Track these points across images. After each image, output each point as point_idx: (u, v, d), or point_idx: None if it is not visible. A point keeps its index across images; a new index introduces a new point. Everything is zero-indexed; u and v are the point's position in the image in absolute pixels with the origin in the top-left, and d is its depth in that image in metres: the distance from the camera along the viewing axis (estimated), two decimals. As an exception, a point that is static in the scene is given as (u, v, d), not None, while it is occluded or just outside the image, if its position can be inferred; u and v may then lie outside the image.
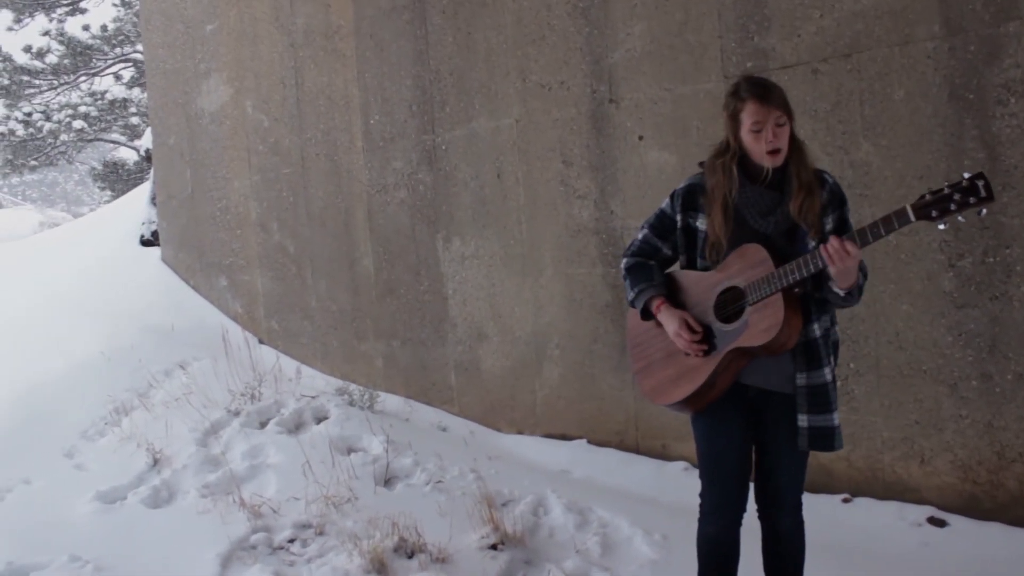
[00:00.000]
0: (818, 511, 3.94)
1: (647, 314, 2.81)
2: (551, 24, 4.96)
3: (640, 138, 4.63)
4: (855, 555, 3.64)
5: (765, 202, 2.66)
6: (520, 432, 5.36)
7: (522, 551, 3.78)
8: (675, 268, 2.89)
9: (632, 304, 2.86)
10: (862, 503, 4.03)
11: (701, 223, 2.74)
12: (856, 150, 3.94)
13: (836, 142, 3.99)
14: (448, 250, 5.62)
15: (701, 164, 2.79)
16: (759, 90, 2.60)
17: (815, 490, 4.13)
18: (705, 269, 2.74)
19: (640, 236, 2.88)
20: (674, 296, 2.79)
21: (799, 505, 2.80)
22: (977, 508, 3.77)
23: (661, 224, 2.84)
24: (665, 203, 2.84)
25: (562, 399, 5.13)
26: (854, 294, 2.56)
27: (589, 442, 5.03)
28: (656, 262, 2.85)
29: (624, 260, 2.90)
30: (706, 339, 2.67)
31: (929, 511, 3.85)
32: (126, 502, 4.54)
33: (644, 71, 4.60)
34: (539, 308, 5.17)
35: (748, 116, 2.59)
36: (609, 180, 4.77)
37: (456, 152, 5.50)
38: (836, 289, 2.52)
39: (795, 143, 2.66)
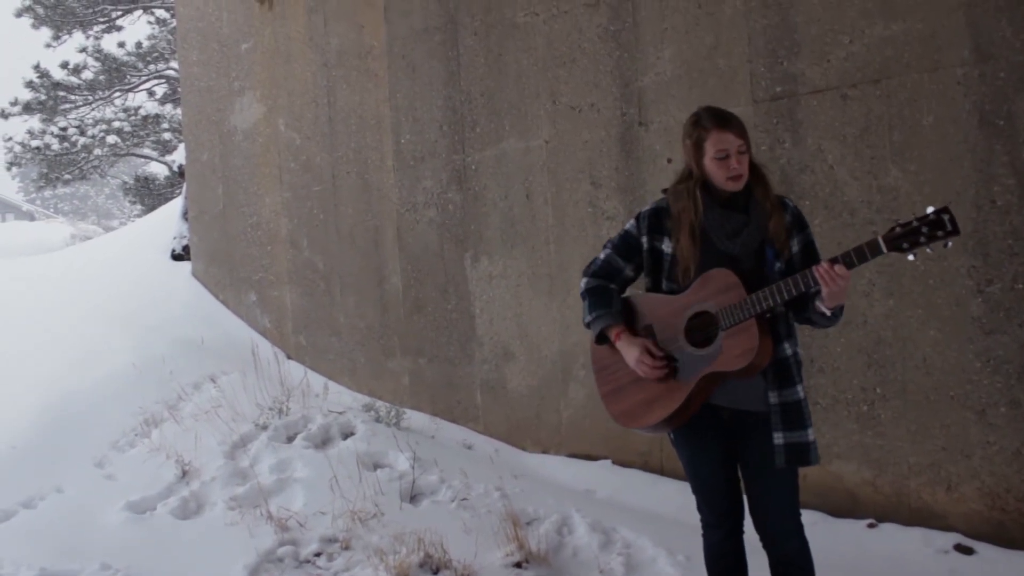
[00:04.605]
0: (843, 536, 3.95)
1: (602, 339, 2.86)
2: (582, 47, 5.02)
3: (669, 161, 4.67)
4: (880, 581, 3.63)
5: (732, 224, 2.72)
6: (545, 451, 5.39)
7: (546, 570, 3.80)
8: (638, 292, 2.91)
9: (588, 326, 2.90)
10: (887, 529, 4.01)
11: (667, 246, 2.80)
12: (885, 175, 3.96)
13: (865, 167, 4.01)
14: (476, 269, 5.67)
15: (664, 191, 2.87)
16: (721, 120, 2.72)
17: (840, 514, 4.13)
18: (671, 291, 2.79)
19: (603, 256, 2.92)
20: (632, 321, 2.85)
21: (800, 527, 2.78)
22: (1005, 536, 3.74)
23: (626, 245, 2.88)
24: (630, 224, 2.89)
25: (587, 419, 5.15)
26: (838, 314, 2.66)
27: (614, 462, 5.04)
28: (616, 284, 2.91)
29: (584, 280, 2.94)
30: (671, 363, 2.73)
31: (956, 538, 3.82)
32: (155, 512, 4.61)
33: (673, 94, 4.64)
34: (566, 328, 5.20)
35: (712, 144, 2.70)
36: (637, 202, 4.80)
37: (486, 172, 5.56)
38: (823, 308, 2.60)
39: (756, 169, 2.76)
